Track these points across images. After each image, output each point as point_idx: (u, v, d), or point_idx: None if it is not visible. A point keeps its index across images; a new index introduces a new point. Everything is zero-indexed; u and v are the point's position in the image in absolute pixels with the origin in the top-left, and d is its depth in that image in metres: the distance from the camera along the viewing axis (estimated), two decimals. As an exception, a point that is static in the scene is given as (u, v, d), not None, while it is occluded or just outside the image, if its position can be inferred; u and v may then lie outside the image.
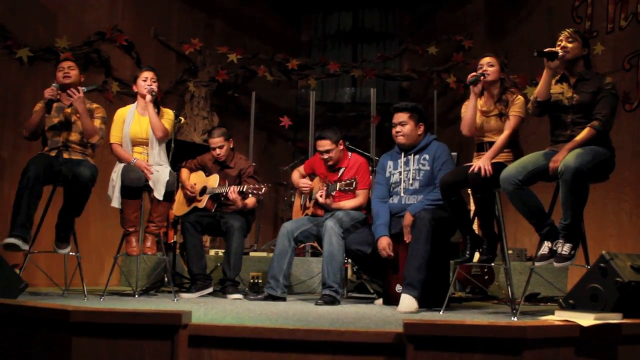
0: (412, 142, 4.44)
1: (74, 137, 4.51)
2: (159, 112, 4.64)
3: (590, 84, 3.64)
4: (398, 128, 4.45)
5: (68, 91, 4.37)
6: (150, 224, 4.58)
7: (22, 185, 4.21)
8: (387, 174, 4.53)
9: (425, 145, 4.46)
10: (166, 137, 4.68)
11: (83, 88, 4.43)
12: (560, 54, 3.64)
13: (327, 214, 4.74)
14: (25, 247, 4.18)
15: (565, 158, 3.43)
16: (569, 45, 3.68)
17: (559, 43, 3.71)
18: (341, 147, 4.85)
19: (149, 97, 4.58)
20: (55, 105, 4.46)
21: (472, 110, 3.98)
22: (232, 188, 4.89)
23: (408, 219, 4.24)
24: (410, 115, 4.42)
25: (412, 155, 4.45)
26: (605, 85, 3.61)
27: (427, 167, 4.38)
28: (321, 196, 4.65)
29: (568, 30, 3.74)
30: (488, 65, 4.00)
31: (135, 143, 4.64)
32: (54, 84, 4.44)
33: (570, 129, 3.65)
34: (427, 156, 4.42)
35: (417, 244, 4.05)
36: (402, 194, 4.42)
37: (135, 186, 4.46)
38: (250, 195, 4.91)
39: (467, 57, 7.31)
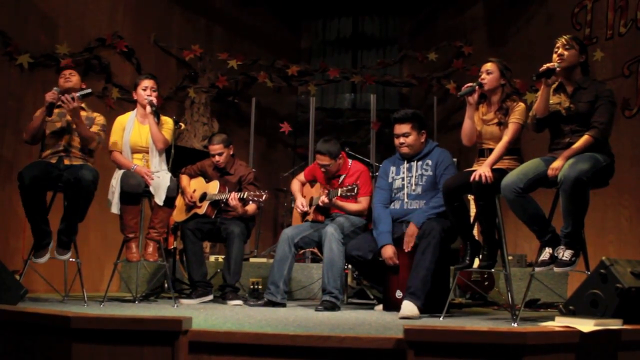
0: (416, 151, 4.44)
1: (76, 141, 4.55)
2: (158, 122, 4.63)
3: (588, 93, 3.62)
4: (402, 139, 4.41)
5: (62, 98, 4.37)
6: (151, 230, 4.57)
7: (22, 197, 4.27)
8: (390, 180, 4.52)
9: (428, 152, 4.45)
10: (166, 147, 4.69)
11: (77, 95, 4.43)
12: (557, 69, 3.61)
13: (328, 220, 4.74)
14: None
15: (564, 168, 3.42)
16: (566, 52, 3.65)
17: (555, 50, 3.69)
18: (340, 160, 4.84)
19: (149, 108, 4.58)
20: (56, 110, 4.48)
21: (468, 120, 3.97)
22: (232, 195, 4.88)
23: (412, 229, 4.23)
24: (412, 126, 4.39)
25: (415, 161, 4.44)
26: (603, 93, 3.59)
27: (430, 173, 4.37)
28: (322, 202, 4.64)
29: (565, 37, 3.70)
30: (486, 73, 3.97)
31: (135, 151, 4.64)
32: (55, 88, 4.45)
33: (569, 137, 3.64)
34: (429, 162, 4.41)
35: (425, 254, 4.04)
36: (404, 199, 4.41)
37: (135, 192, 4.46)
38: (250, 202, 4.91)
39: (467, 63, 7.32)
